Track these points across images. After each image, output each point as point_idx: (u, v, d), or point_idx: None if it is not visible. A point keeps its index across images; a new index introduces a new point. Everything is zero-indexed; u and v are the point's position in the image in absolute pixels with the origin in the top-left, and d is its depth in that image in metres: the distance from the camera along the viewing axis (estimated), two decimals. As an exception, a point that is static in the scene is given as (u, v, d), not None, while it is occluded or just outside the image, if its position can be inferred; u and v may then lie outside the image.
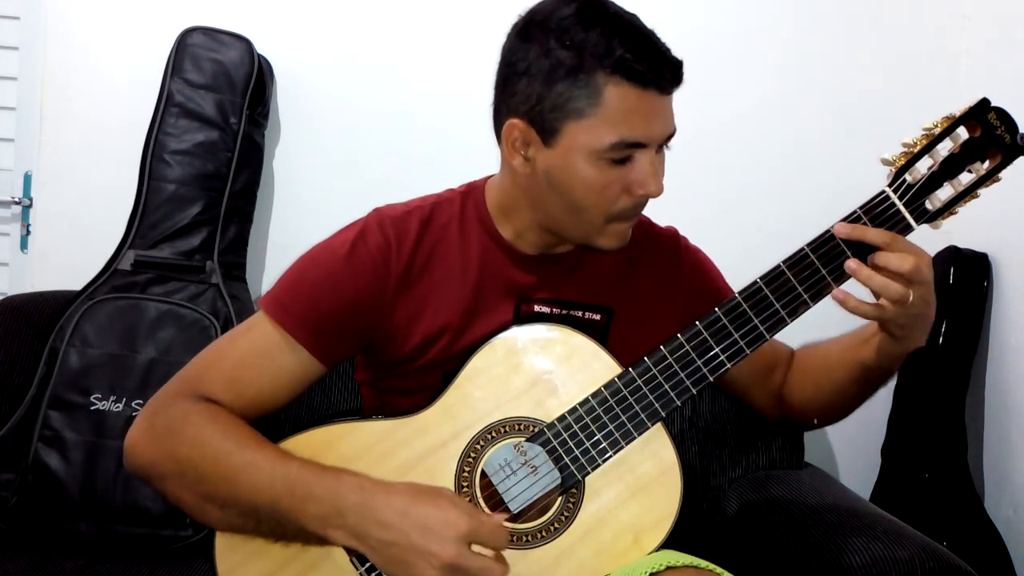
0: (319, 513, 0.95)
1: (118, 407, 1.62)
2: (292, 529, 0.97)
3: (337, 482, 0.96)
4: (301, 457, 0.99)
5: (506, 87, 1.02)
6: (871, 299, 1.00)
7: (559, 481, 1.02)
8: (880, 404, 1.93)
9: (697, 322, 1.02)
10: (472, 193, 1.15)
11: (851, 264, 0.98)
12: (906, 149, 1.00)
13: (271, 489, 0.96)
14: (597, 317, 1.12)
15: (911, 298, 0.97)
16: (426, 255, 1.09)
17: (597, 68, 0.95)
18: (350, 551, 1.01)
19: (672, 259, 1.22)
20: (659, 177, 1.01)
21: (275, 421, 1.08)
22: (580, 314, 1.12)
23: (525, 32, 1.00)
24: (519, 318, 1.09)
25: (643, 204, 1.05)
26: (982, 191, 1.00)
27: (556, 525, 1.03)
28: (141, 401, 1.61)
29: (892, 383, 1.88)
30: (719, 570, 1.00)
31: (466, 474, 1.03)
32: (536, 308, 1.10)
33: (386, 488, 0.96)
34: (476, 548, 0.93)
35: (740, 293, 1.02)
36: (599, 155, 0.98)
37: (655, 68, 0.96)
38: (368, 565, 1.01)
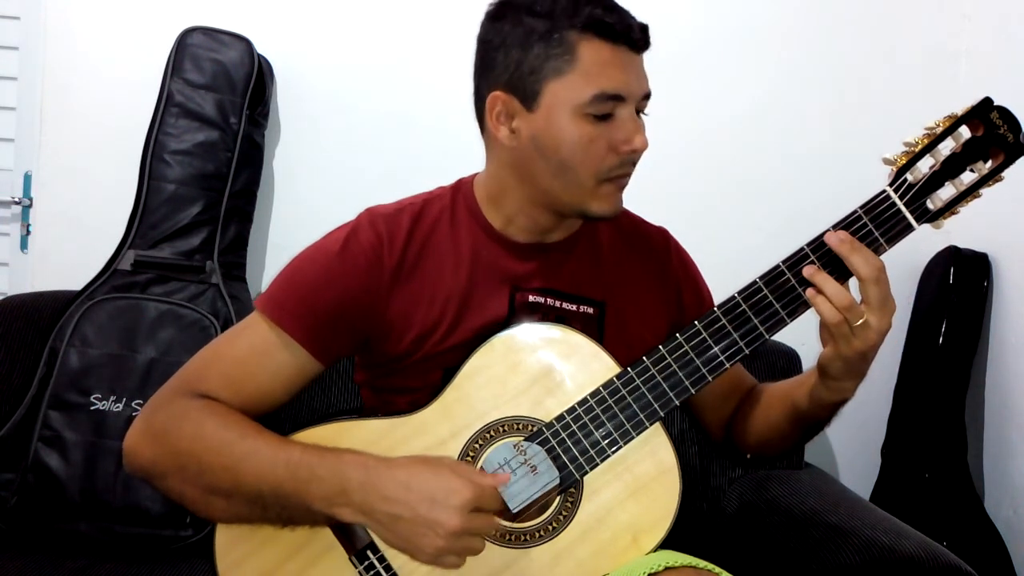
0: (324, 493, 0.96)
1: (118, 407, 1.62)
2: (298, 512, 0.98)
3: (340, 461, 0.97)
4: (302, 442, 1.00)
5: (484, 66, 1.06)
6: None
7: (558, 480, 1.02)
8: (880, 404, 1.94)
9: (696, 322, 1.02)
10: (461, 188, 1.16)
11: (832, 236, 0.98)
12: (907, 148, 1.00)
13: (274, 474, 0.97)
14: (591, 311, 1.12)
15: (860, 317, 0.96)
16: (418, 249, 1.10)
17: (568, 27, 0.99)
18: (348, 549, 1.01)
19: (662, 255, 1.22)
20: (643, 132, 1.03)
21: (275, 420, 1.08)
22: (575, 307, 1.12)
23: (497, 14, 1.05)
24: (514, 307, 1.09)
25: (631, 164, 1.05)
26: (984, 190, 1.00)
27: (555, 524, 1.03)
28: (141, 401, 1.61)
29: (892, 383, 1.91)
30: (718, 570, 1.00)
31: (465, 473, 1.03)
32: (531, 298, 1.10)
33: (388, 463, 0.97)
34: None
35: (739, 293, 1.02)
36: (582, 110, 1.00)
37: (624, 24, 1.00)
38: (367, 563, 1.01)
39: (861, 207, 0.99)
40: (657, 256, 1.22)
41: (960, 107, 0.99)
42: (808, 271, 0.98)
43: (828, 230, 0.99)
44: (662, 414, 1.02)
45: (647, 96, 1.05)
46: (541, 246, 1.13)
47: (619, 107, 1.01)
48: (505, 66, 1.02)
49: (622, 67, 1.01)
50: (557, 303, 1.11)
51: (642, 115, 1.06)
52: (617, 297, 1.15)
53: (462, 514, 0.93)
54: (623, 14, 1.01)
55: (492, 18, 1.06)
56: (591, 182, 1.04)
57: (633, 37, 1.01)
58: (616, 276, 1.16)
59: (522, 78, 1.02)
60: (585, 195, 1.05)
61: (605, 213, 1.07)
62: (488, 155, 1.13)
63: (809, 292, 0.98)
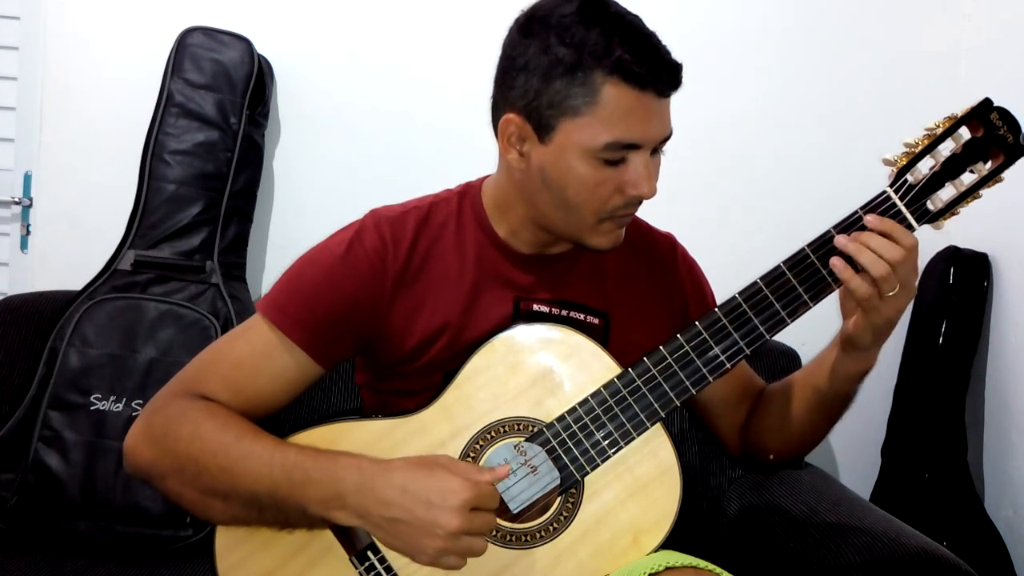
0: (319, 496, 0.96)
1: (118, 407, 1.62)
2: (294, 515, 0.98)
3: (334, 465, 0.97)
4: (299, 444, 1.00)
5: (504, 81, 1.03)
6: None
7: (558, 481, 1.02)
8: (880, 404, 1.94)
9: (696, 322, 1.02)
10: (469, 192, 1.15)
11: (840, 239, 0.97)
12: (908, 149, 1.00)
13: (269, 477, 0.97)
14: (596, 321, 1.12)
15: (895, 288, 0.96)
16: (423, 255, 1.09)
17: (595, 67, 0.95)
18: (349, 549, 1.01)
19: (668, 264, 1.22)
20: (653, 179, 1.01)
21: (275, 421, 1.08)
22: (582, 316, 1.11)
23: (526, 28, 1.01)
24: (518, 315, 1.09)
25: (635, 205, 1.04)
26: (984, 191, 1.00)
27: (555, 525, 1.03)
28: (141, 401, 1.61)
29: (892, 383, 1.91)
30: (719, 570, 1.00)
31: (466, 474, 1.03)
32: (535, 307, 1.10)
33: (384, 466, 0.97)
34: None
35: (740, 294, 1.02)
36: (593, 154, 0.98)
37: (653, 70, 0.96)
38: (367, 564, 1.01)
39: (862, 208, 1.00)
40: (663, 264, 1.21)
41: (960, 108, 0.99)
42: (841, 241, 0.97)
43: (829, 230, 1.00)
44: (663, 415, 1.02)
45: (667, 138, 1.02)
46: (546, 257, 1.13)
47: (633, 153, 0.99)
48: (524, 91, 0.99)
49: (643, 115, 0.97)
50: (561, 313, 1.11)
51: (659, 153, 1.04)
52: (622, 307, 1.14)
53: (461, 514, 0.93)
54: (655, 61, 0.97)
55: (520, 31, 1.01)
56: (592, 220, 1.03)
57: (661, 85, 0.98)
58: (621, 286, 1.16)
59: (539, 109, 0.99)
60: (584, 230, 1.05)
61: (603, 248, 1.06)
62: (499, 163, 1.12)
63: (837, 265, 0.97)
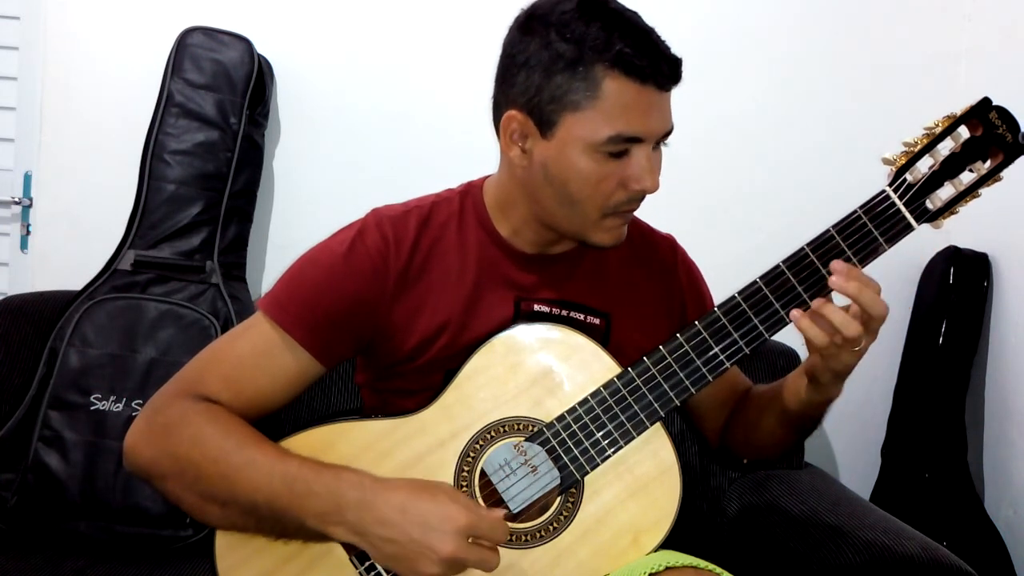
0: (318, 510, 0.95)
1: (118, 407, 1.62)
2: (292, 526, 0.97)
3: (336, 479, 0.96)
4: (301, 455, 0.99)
5: (505, 79, 1.03)
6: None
7: (558, 481, 1.02)
8: (880, 404, 1.94)
9: (696, 322, 1.02)
10: (470, 192, 1.15)
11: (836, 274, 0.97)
12: (907, 148, 1.00)
13: (270, 487, 0.96)
14: (597, 322, 1.12)
15: (863, 343, 0.97)
16: (424, 254, 1.09)
17: (596, 61, 0.96)
18: (349, 549, 1.01)
19: (669, 266, 1.22)
20: (655, 173, 1.01)
21: (275, 421, 1.08)
22: (582, 317, 1.11)
23: (526, 26, 1.01)
24: (519, 315, 1.09)
25: (638, 200, 1.05)
26: (983, 190, 1.00)
27: (555, 525, 1.03)
28: (141, 401, 1.61)
29: (892, 383, 1.91)
30: (719, 570, 1.00)
31: (465, 473, 1.03)
32: (536, 307, 1.10)
33: (385, 485, 0.96)
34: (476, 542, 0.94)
35: (740, 293, 1.02)
36: (595, 148, 0.99)
37: (654, 64, 0.97)
38: (368, 563, 1.01)
39: (861, 207, 1.00)
40: (663, 267, 1.21)
41: (960, 108, 0.99)
42: (818, 303, 0.97)
43: (829, 229, 1.00)
44: (663, 414, 1.02)
45: (668, 132, 1.02)
46: (547, 257, 1.13)
47: (635, 147, 0.99)
48: (525, 87, 1.00)
49: (645, 109, 0.98)
50: (562, 313, 1.11)
51: (662, 146, 1.04)
52: (623, 308, 1.14)
53: (457, 540, 0.92)
54: (655, 54, 0.97)
55: (520, 29, 1.02)
56: (596, 215, 1.03)
57: (662, 79, 0.98)
58: (622, 287, 1.16)
59: (540, 104, 0.99)
60: (588, 226, 1.05)
61: (606, 244, 1.07)
62: (500, 162, 1.12)
63: (796, 315, 0.98)
